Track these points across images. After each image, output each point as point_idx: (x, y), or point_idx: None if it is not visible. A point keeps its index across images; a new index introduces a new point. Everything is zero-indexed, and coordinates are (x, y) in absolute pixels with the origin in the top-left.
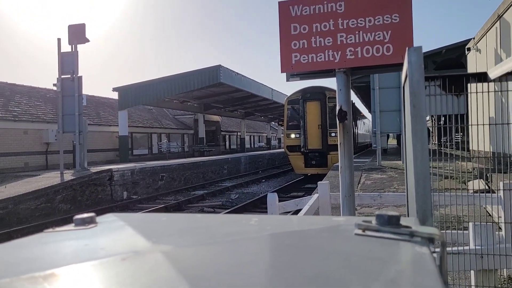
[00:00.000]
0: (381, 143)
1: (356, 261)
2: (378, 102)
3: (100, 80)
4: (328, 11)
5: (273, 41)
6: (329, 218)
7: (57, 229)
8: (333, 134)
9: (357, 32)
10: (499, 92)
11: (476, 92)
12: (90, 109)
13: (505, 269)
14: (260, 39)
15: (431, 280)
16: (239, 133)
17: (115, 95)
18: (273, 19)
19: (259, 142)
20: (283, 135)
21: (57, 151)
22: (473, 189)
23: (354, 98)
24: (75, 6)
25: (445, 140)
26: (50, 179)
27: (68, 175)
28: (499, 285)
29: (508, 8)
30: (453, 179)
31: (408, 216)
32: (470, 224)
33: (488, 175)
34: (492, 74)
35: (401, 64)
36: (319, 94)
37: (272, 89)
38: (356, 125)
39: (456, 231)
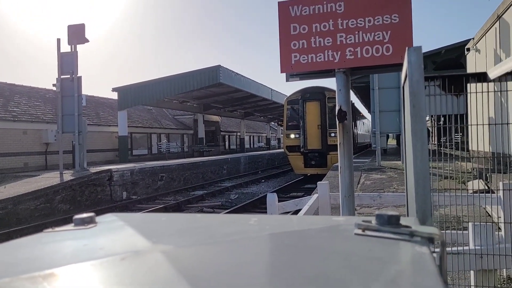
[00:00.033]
0: (381, 143)
1: (356, 261)
2: (378, 102)
3: (100, 80)
4: (328, 11)
5: (273, 41)
6: (328, 218)
7: (57, 229)
8: (332, 134)
9: (356, 32)
10: (499, 92)
11: (476, 92)
12: (90, 109)
13: (504, 269)
14: (260, 39)
15: (431, 280)
16: (238, 133)
17: (114, 95)
18: (273, 19)
19: (259, 142)
20: (282, 135)
21: (56, 151)
22: (473, 189)
23: (353, 98)
24: (75, 6)
25: (444, 140)
26: (49, 179)
27: (68, 176)
28: (499, 285)
29: (508, 9)
30: (453, 179)
31: (408, 216)
32: (470, 224)
33: (487, 175)
34: (492, 74)
35: (401, 64)
36: (319, 94)
37: (271, 89)
38: (355, 125)
39: (456, 231)
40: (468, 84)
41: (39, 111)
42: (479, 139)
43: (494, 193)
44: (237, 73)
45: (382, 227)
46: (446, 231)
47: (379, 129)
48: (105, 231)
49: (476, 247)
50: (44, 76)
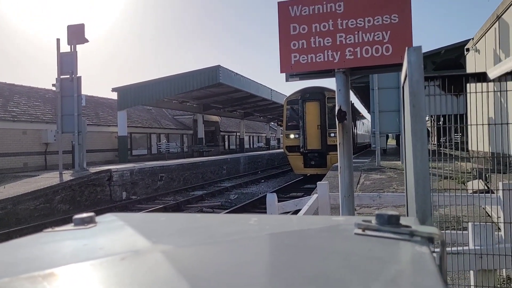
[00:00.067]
0: (381, 144)
1: (356, 260)
2: (377, 103)
3: (99, 80)
4: (328, 11)
5: (273, 41)
6: (328, 218)
7: (56, 229)
8: (332, 135)
9: (356, 32)
10: (498, 93)
11: (476, 92)
12: (89, 109)
13: (504, 269)
14: (260, 39)
15: (431, 279)
16: (238, 134)
17: (114, 96)
18: (273, 19)
19: (258, 142)
20: (282, 135)
21: (56, 151)
22: (472, 190)
23: (353, 98)
24: (75, 6)
25: (444, 140)
26: (49, 179)
27: (67, 176)
28: (498, 285)
29: (507, 9)
30: (452, 179)
31: (407, 216)
32: (470, 224)
33: (487, 175)
34: (492, 74)
35: (400, 64)
36: (318, 94)
37: (271, 90)
38: (355, 125)
39: (455, 231)
40: (468, 84)
41: (39, 111)
42: (479, 139)
43: (493, 193)
44: (236, 73)
45: (382, 227)
46: (446, 231)
47: (378, 129)
48: (105, 231)
49: (476, 247)
50: (43, 76)
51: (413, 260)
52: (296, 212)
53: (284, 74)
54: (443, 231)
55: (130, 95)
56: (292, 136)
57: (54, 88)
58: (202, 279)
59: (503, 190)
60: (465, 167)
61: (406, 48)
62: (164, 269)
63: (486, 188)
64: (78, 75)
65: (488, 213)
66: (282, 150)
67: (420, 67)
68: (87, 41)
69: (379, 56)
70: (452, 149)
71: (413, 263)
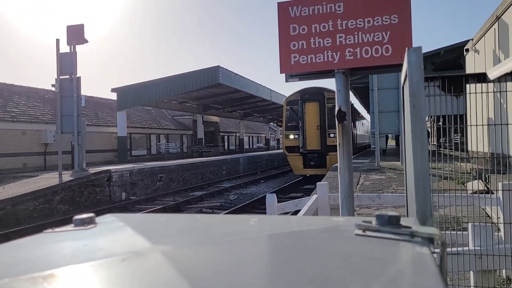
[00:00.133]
0: (380, 144)
1: (356, 261)
2: (377, 103)
3: (99, 80)
4: (327, 12)
5: (273, 41)
6: (329, 219)
7: (56, 229)
8: (331, 135)
9: (356, 33)
10: (498, 93)
11: (476, 93)
12: (89, 109)
13: (504, 270)
14: (260, 39)
15: (431, 280)
16: (238, 134)
17: (113, 96)
18: (272, 19)
19: (258, 142)
20: (281, 135)
21: (55, 152)
22: (472, 190)
23: (353, 99)
24: (75, 6)
25: (443, 140)
26: (48, 180)
27: (67, 176)
28: (498, 286)
29: (507, 9)
30: (452, 180)
31: (407, 216)
32: (469, 224)
33: (487, 176)
34: (492, 75)
35: (400, 65)
36: (318, 94)
37: (271, 90)
38: (355, 126)
39: (455, 232)
40: (467, 85)
41: (38, 111)
42: (478, 140)
43: (493, 193)
44: (236, 74)
45: (383, 228)
46: (446, 232)
47: (378, 130)
48: (105, 231)
49: (476, 248)
50: (43, 77)
51: (414, 260)
52: (295, 212)
53: (284, 74)
54: (443, 232)
55: (129, 96)
56: (291, 136)
57: (53, 89)
58: (203, 280)
59: (502, 190)
60: (465, 168)
61: (406, 48)
62: (164, 270)
63: (485, 188)
64: (77, 75)
65: (487, 214)
66: (281, 150)
67: (420, 67)
68: (86, 41)
69: (379, 57)
70: (452, 149)
71: (413, 264)
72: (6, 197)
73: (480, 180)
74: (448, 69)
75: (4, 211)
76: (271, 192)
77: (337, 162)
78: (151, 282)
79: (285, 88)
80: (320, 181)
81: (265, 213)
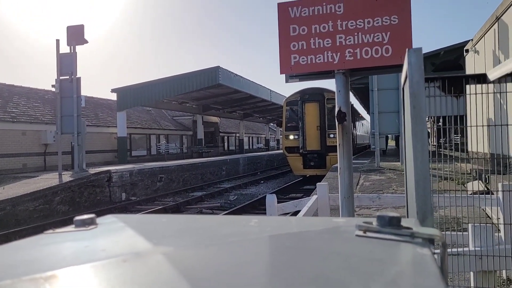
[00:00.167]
0: (380, 145)
1: (356, 262)
2: (377, 104)
3: (99, 80)
4: (327, 13)
5: (273, 41)
6: (329, 219)
7: (57, 230)
8: (331, 135)
9: (356, 34)
10: (498, 94)
11: (476, 94)
12: (89, 110)
13: (504, 271)
14: (260, 39)
15: (432, 281)
16: (237, 134)
17: (113, 96)
18: (272, 19)
19: (258, 143)
20: (281, 136)
21: (55, 152)
22: (472, 191)
23: (352, 99)
24: (75, 6)
25: (443, 141)
26: (48, 180)
27: (67, 177)
28: (498, 287)
29: (506, 10)
30: (452, 180)
31: (407, 217)
32: (470, 225)
33: (487, 176)
34: (492, 76)
35: (400, 66)
36: (318, 95)
37: (270, 91)
38: (354, 126)
39: (455, 233)
40: (467, 86)
41: (38, 112)
42: (478, 140)
43: (493, 194)
44: (236, 74)
45: (383, 229)
46: (446, 232)
47: (378, 130)
48: (106, 232)
49: (476, 248)
50: (43, 77)
51: (414, 261)
52: (295, 213)
53: (284, 75)
54: (443, 232)
55: (129, 96)
56: (291, 137)
57: (53, 89)
58: (204, 280)
59: (503, 191)
60: (465, 168)
61: (407, 49)
62: (166, 271)
63: (485, 189)
64: (77, 76)
65: (487, 214)
66: (281, 151)
67: (421, 68)
68: (86, 42)
69: (378, 57)
70: (452, 150)
71: (414, 265)
72: (6, 197)
73: (480, 181)
74: (448, 69)
75: (4, 211)
76: (271, 193)
77: (337, 163)
78: (153, 283)
79: (285, 89)
80: (320, 181)
81: (265, 213)
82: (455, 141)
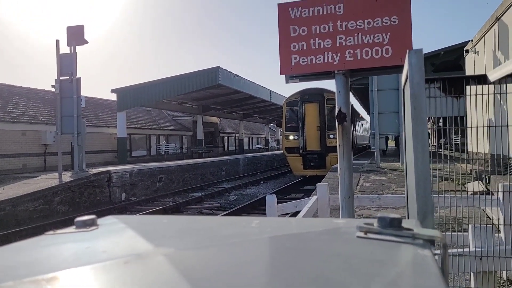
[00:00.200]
0: (380, 145)
1: (357, 263)
2: (377, 104)
3: (99, 80)
4: (327, 13)
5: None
6: (330, 221)
7: (58, 231)
8: (331, 136)
9: (356, 34)
10: (498, 95)
11: (476, 95)
12: (89, 110)
13: (504, 271)
14: (260, 39)
15: (433, 282)
16: (237, 135)
17: (113, 97)
18: (272, 19)
19: (258, 143)
20: (281, 136)
21: (55, 152)
22: (473, 191)
23: (352, 99)
24: (75, 7)
25: (443, 141)
26: (48, 180)
27: (67, 177)
28: (498, 287)
29: (506, 10)
30: (452, 180)
31: (408, 217)
32: (470, 226)
33: (487, 176)
34: (492, 77)
35: (400, 66)
36: (318, 95)
37: (270, 91)
38: (354, 126)
39: (456, 233)
40: (467, 86)
41: (38, 112)
42: (478, 141)
43: (493, 194)
44: (236, 75)
45: (384, 230)
46: (446, 233)
47: (378, 131)
48: (107, 233)
49: (476, 249)
50: (43, 77)
51: (415, 263)
52: (295, 213)
53: (284, 75)
54: (444, 233)
55: (129, 97)
56: (291, 137)
57: (53, 89)
58: (206, 282)
59: (503, 192)
60: (465, 169)
61: (407, 51)
62: (167, 272)
63: (486, 189)
64: (77, 76)
65: (487, 215)
66: (281, 151)
67: (421, 69)
68: (86, 42)
69: (379, 58)
70: (452, 150)
71: (415, 266)
72: (6, 198)
73: (480, 181)
74: (447, 70)
75: (4, 212)
76: (271, 193)
77: (336, 163)
78: (154, 284)
79: (285, 89)
80: (319, 182)
81: (265, 214)
82: (455, 141)
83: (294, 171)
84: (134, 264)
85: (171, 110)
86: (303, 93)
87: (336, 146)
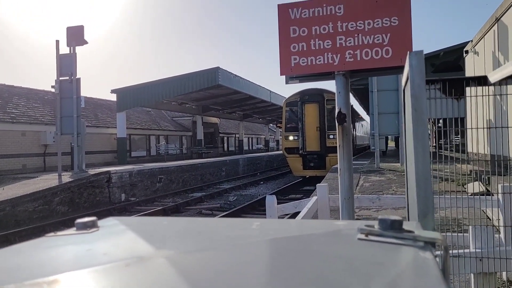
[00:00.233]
0: (380, 145)
1: (358, 265)
2: (377, 105)
3: (99, 80)
4: (328, 14)
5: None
6: (331, 222)
7: (59, 233)
8: (331, 136)
9: (356, 35)
10: (498, 96)
11: (476, 96)
12: (88, 111)
13: (504, 272)
14: (260, 40)
15: (434, 284)
16: (237, 135)
17: (113, 97)
18: (272, 19)
19: (257, 144)
20: (281, 137)
21: (55, 153)
22: (473, 192)
23: (352, 100)
24: (75, 7)
25: (443, 142)
26: (48, 181)
27: (66, 177)
28: None
29: (506, 11)
30: (452, 181)
31: (408, 218)
32: (470, 227)
33: (487, 177)
34: (492, 78)
35: (400, 67)
36: (318, 96)
37: (270, 91)
38: (354, 127)
39: (456, 234)
40: (467, 88)
41: (38, 112)
42: (479, 142)
43: (493, 195)
44: (236, 75)
45: (385, 232)
46: (446, 234)
47: (378, 131)
48: (108, 235)
49: (476, 250)
50: (43, 77)
51: (416, 265)
52: (295, 214)
53: (284, 76)
54: (444, 234)
55: (129, 97)
56: (291, 138)
57: (53, 90)
58: (206, 284)
59: (503, 193)
60: (466, 169)
61: (408, 52)
62: (168, 275)
63: (485, 190)
64: (77, 76)
65: (487, 216)
66: (281, 152)
67: (422, 71)
68: (86, 42)
69: (379, 59)
70: (452, 151)
71: (416, 268)
72: (6, 198)
73: (480, 182)
74: (447, 70)
75: (3, 212)
76: (270, 194)
77: (336, 164)
78: (155, 287)
79: (285, 89)
80: (319, 182)
81: (264, 214)
82: (455, 142)
83: (293, 172)
84: (135, 266)
85: (170, 110)
86: (303, 94)
87: (336, 146)
